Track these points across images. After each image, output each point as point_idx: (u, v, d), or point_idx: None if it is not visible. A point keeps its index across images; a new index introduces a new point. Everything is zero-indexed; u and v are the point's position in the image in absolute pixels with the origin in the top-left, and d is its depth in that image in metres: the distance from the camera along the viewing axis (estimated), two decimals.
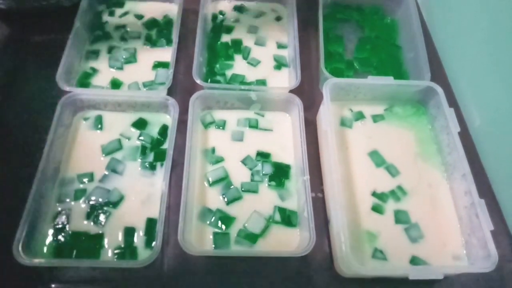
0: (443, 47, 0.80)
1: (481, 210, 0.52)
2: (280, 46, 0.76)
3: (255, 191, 0.60)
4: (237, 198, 0.59)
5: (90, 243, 0.54)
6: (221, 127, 0.65)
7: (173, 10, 0.79)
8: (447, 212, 0.58)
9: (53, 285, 0.53)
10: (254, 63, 0.74)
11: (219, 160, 0.62)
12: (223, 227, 0.56)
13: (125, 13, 0.79)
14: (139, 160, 0.61)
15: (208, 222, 0.56)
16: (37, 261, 0.49)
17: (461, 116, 0.71)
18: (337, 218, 0.51)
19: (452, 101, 0.71)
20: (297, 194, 0.59)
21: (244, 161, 0.62)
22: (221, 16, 0.80)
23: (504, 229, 0.60)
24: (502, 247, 0.58)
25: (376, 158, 0.62)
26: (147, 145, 0.63)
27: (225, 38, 0.77)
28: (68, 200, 0.57)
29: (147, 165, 0.61)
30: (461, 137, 0.58)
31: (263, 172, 0.61)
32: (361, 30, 0.81)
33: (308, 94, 0.71)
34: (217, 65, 0.72)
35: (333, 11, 0.82)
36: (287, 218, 0.57)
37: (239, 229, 0.56)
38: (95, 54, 0.73)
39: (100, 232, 0.55)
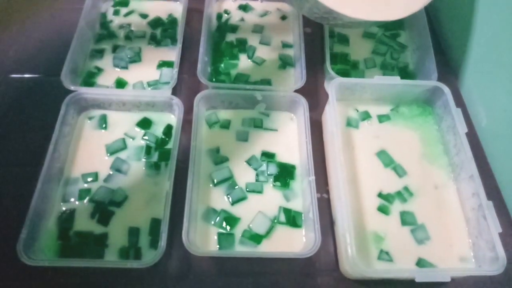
0: (449, 46, 0.79)
1: (489, 212, 0.51)
2: (285, 45, 0.76)
3: (260, 191, 0.59)
4: (242, 199, 0.58)
5: (95, 243, 0.54)
6: (225, 127, 0.65)
7: (177, 9, 0.79)
8: (454, 213, 0.57)
9: (57, 285, 0.53)
10: (259, 62, 0.73)
11: (224, 160, 0.62)
12: (228, 227, 0.56)
13: (130, 12, 0.79)
14: (144, 159, 0.61)
15: (212, 223, 0.56)
16: (41, 261, 0.49)
17: (468, 116, 0.70)
18: (343, 219, 0.50)
19: (458, 101, 0.71)
20: (302, 195, 0.59)
21: (248, 161, 0.62)
22: (226, 15, 0.80)
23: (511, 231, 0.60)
24: (510, 249, 0.57)
25: (385, 158, 0.61)
26: (152, 144, 0.62)
27: (230, 37, 0.76)
28: (72, 199, 0.57)
29: (152, 165, 0.60)
30: (467, 137, 0.58)
31: (268, 173, 0.61)
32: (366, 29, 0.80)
33: (312, 94, 0.71)
34: (222, 65, 0.72)
35: None
36: (292, 219, 0.57)
37: (243, 229, 0.56)
38: (99, 53, 0.72)
39: (105, 232, 0.55)
